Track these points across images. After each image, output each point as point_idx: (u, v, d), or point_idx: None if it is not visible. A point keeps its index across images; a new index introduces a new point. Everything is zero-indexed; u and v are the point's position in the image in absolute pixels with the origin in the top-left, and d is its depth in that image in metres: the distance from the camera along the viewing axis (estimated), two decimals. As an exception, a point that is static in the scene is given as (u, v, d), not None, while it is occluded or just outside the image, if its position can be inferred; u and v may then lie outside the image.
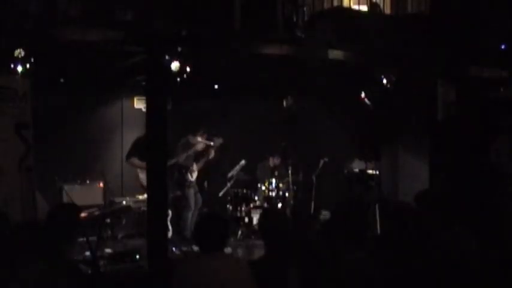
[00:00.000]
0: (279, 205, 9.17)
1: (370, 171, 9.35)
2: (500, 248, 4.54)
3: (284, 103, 9.66)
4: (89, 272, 5.04)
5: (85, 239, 4.86)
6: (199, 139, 8.69)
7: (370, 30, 7.20)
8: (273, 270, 3.87)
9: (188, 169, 8.63)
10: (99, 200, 8.73)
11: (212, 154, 8.84)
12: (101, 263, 6.07)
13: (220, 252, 3.78)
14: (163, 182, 5.91)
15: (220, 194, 9.50)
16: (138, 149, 8.17)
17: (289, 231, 4.23)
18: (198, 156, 8.86)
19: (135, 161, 8.28)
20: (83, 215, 5.89)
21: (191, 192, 8.63)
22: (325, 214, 9.61)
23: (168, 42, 6.28)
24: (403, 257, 3.94)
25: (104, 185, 8.84)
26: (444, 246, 4.17)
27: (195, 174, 8.71)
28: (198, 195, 8.79)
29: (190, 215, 8.50)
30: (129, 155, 8.39)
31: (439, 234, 4.28)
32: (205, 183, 9.15)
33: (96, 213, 7.92)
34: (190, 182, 8.63)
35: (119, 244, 7.94)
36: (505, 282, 4.21)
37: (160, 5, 6.04)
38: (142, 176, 7.87)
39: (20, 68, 6.22)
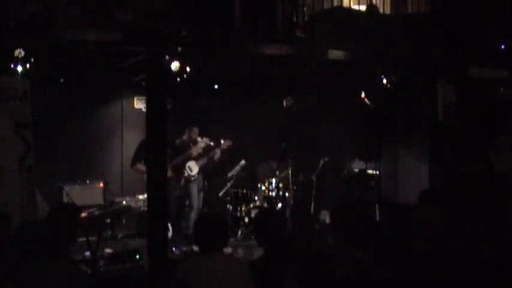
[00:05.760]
0: (279, 205, 9.17)
1: (370, 171, 9.35)
2: (501, 248, 4.54)
3: (284, 103, 9.65)
4: (89, 272, 5.04)
5: (85, 239, 4.86)
6: (199, 139, 8.68)
7: (370, 30, 7.21)
8: (270, 270, 3.87)
9: (186, 164, 8.54)
10: (99, 200, 8.73)
11: (218, 155, 8.79)
12: (101, 263, 6.06)
13: (219, 252, 3.78)
14: (164, 182, 5.91)
15: (220, 194, 9.49)
16: (142, 154, 8.11)
17: (288, 230, 4.24)
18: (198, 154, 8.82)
19: (141, 166, 8.22)
20: (83, 215, 5.90)
21: (194, 188, 8.56)
22: (325, 214, 9.61)
23: (168, 42, 6.28)
24: (403, 256, 3.94)
25: (104, 185, 8.83)
26: (446, 246, 4.17)
27: (195, 169, 8.63)
28: (201, 193, 8.75)
29: (193, 214, 8.41)
30: (134, 161, 8.28)
31: (441, 234, 4.28)
32: (205, 183, 9.14)
33: (96, 213, 7.91)
34: (192, 176, 8.55)
35: (119, 244, 7.93)
36: (506, 282, 4.21)
37: (160, 5, 6.04)
38: None
39: (20, 68, 6.22)
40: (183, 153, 8.52)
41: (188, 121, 8.86)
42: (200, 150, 8.66)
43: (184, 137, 8.70)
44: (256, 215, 4.61)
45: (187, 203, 8.66)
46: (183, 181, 8.51)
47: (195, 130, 8.69)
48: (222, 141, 8.82)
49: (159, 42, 6.02)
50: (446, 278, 3.98)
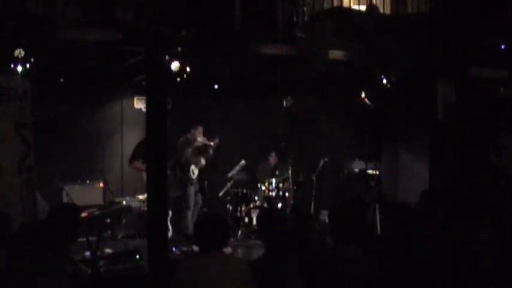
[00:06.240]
0: (279, 205, 9.17)
1: (370, 171, 9.35)
2: (501, 248, 4.54)
3: (284, 103, 9.66)
4: (89, 272, 5.04)
5: (85, 239, 4.87)
6: (199, 139, 8.71)
7: (370, 30, 7.21)
8: (272, 270, 3.87)
9: (190, 166, 8.61)
10: (99, 200, 8.73)
11: (210, 153, 8.86)
12: (101, 263, 6.07)
13: (219, 252, 3.78)
14: (164, 182, 5.91)
15: (220, 194, 9.50)
16: (140, 152, 8.17)
17: (288, 230, 4.24)
18: (197, 154, 8.86)
19: (139, 164, 8.27)
20: (83, 215, 5.88)
21: (192, 190, 8.61)
22: (325, 214, 9.60)
23: (168, 42, 6.28)
24: (403, 256, 3.94)
25: (104, 185, 8.84)
26: (446, 246, 4.17)
27: (196, 171, 8.70)
28: (199, 195, 8.79)
29: (190, 214, 8.49)
30: (132, 158, 8.41)
31: (441, 234, 4.28)
32: (205, 183, 9.15)
33: (96, 213, 7.91)
34: (193, 179, 8.63)
35: (119, 244, 7.93)
36: (505, 282, 4.21)
37: (160, 5, 6.04)
38: None
39: (20, 68, 6.22)
40: (183, 152, 8.57)
41: (188, 121, 8.87)
42: (196, 151, 8.70)
43: (189, 135, 8.74)
44: (259, 214, 4.62)
45: (183, 202, 8.67)
46: (189, 185, 8.55)
47: (200, 129, 8.74)
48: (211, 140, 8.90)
49: (159, 42, 6.02)
50: (446, 277, 3.98)
